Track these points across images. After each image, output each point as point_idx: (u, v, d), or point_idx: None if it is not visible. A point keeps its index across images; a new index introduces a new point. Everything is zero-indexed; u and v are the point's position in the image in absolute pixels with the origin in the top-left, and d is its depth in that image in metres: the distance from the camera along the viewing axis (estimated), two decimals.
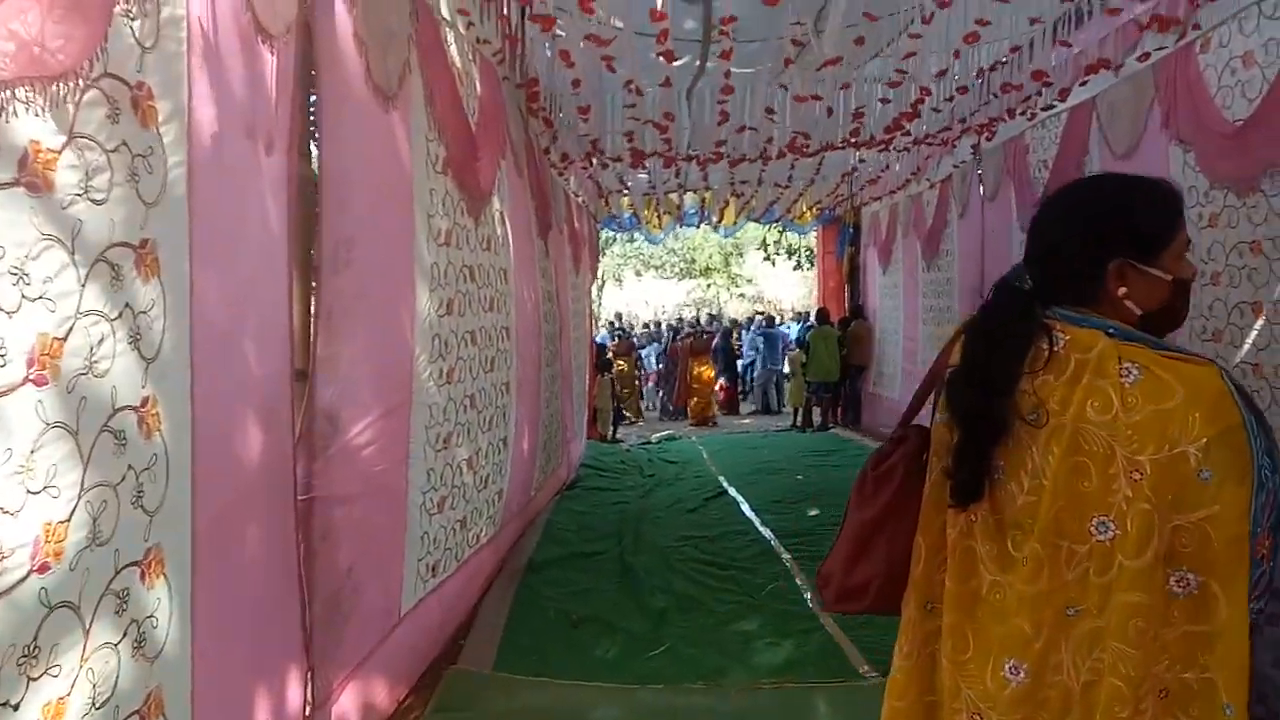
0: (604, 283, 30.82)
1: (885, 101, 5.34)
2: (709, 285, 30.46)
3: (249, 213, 2.29)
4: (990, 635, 1.33)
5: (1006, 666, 1.29)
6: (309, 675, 2.77)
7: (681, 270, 30.31)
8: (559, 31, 4.32)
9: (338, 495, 2.91)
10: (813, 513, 6.73)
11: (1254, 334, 4.26)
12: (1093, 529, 1.23)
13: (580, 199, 9.91)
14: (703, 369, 14.12)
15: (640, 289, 30.99)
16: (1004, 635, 1.31)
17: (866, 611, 1.57)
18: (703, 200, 11.23)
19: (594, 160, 7.12)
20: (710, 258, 28.69)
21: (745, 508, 6.99)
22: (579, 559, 5.62)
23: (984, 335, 1.37)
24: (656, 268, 30.69)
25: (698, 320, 19.30)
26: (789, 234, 18.29)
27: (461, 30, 4.26)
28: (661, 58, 3.97)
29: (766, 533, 6.12)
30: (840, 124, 5.71)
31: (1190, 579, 1.20)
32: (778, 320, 17.79)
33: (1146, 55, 4.98)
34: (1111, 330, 1.29)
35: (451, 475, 4.11)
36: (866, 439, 10.73)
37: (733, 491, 7.64)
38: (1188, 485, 1.18)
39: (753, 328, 17.21)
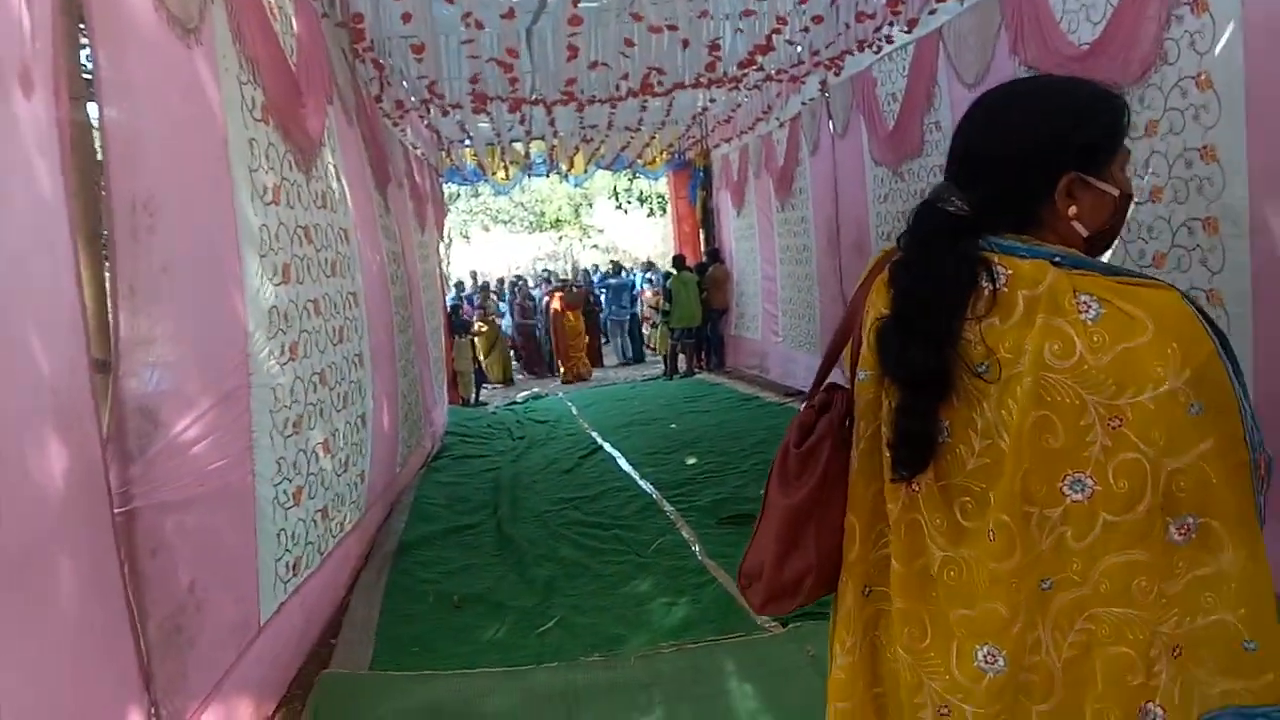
0: (451, 240, 29.92)
1: (739, 32, 5.13)
2: (561, 238, 30.00)
3: (7, 170, 1.83)
4: (950, 619, 1.16)
5: (980, 654, 1.13)
6: (152, 712, 2.37)
7: (531, 224, 29.68)
8: None
9: (166, 502, 2.49)
10: (690, 461, 6.62)
11: (1108, 254, 4.32)
12: (1065, 489, 1.09)
13: (419, 151, 9.32)
14: (573, 324, 13.78)
15: (490, 245, 30.19)
16: (974, 620, 1.14)
17: (800, 607, 1.35)
18: (551, 149, 10.83)
19: (432, 107, 6.61)
20: (560, 210, 28.19)
21: (623, 462, 6.80)
22: (453, 535, 5.29)
23: (917, 275, 1.15)
24: (505, 222, 29.93)
25: (574, 275, 18.88)
26: (640, 181, 18.10)
27: None
28: None
29: (647, 486, 5.96)
30: (695, 58, 5.45)
31: (1190, 522, 1.09)
32: (624, 269, 17.59)
33: None
34: (1058, 259, 1.12)
35: (306, 462, 3.69)
36: (733, 382, 10.77)
37: (608, 447, 7.44)
38: (1180, 424, 1.06)
39: (597, 278, 17.00)
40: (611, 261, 17.75)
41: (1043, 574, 1.11)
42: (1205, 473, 1.07)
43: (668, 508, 5.41)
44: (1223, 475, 1.08)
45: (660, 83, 5.75)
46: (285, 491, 3.42)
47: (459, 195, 24.82)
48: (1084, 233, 1.18)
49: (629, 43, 4.68)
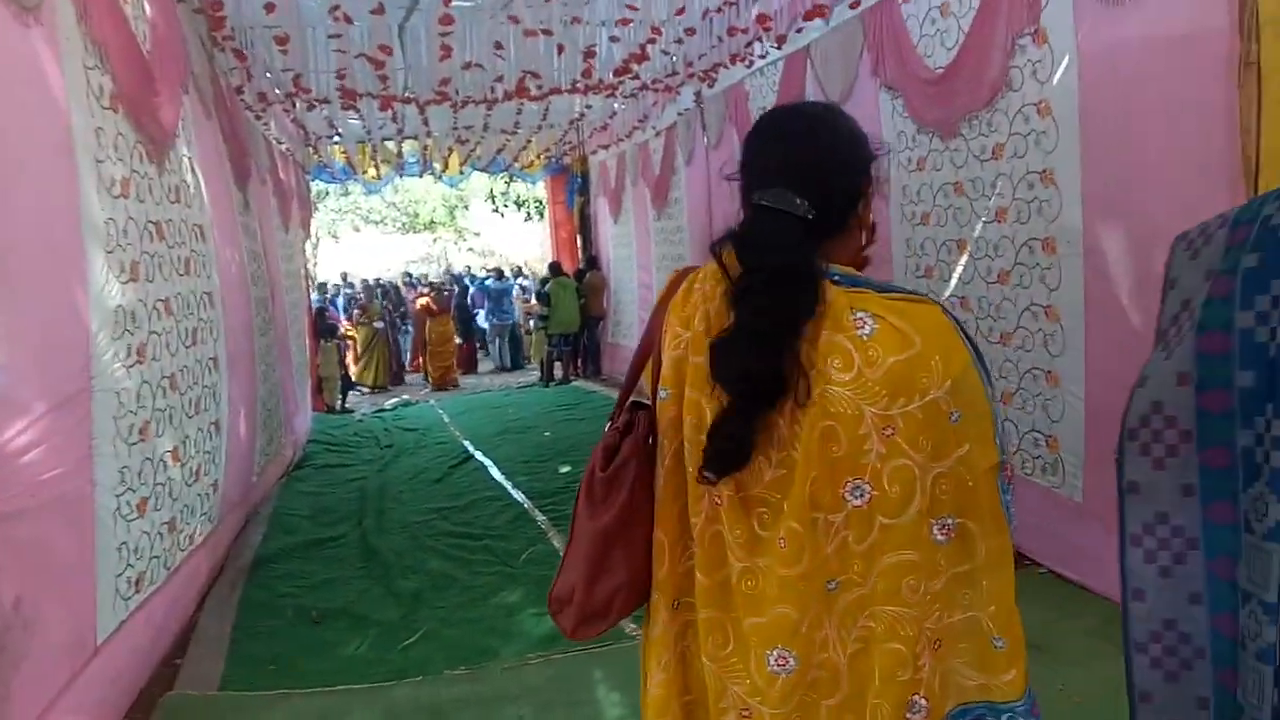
0: (319, 240, 28.85)
1: (615, 40, 5.15)
2: (435, 240, 29.41)
3: None
4: (747, 627, 1.20)
5: (772, 657, 1.17)
6: None
7: (404, 224, 28.97)
8: None
9: None
10: (564, 469, 6.60)
11: (959, 270, 4.58)
12: (847, 494, 1.14)
13: (284, 146, 8.97)
14: (443, 329, 13.49)
15: (360, 245, 29.31)
16: (765, 625, 1.17)
17: (611, 627, 1.36)
18: (424, 148, 10.60)
19: (297, 101, 6.37)
20: (434, 211, 27.63)
21: (495, 471, 6.71)
22: (315, 547, 5.09)
23: (779, 293, 1.14)
24: (376, 222, 29.12)
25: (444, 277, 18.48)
26: (517, 184, 17.97)
27: None
28: None
29: (519, 495, 5.90)
30: (569, 64, 5.45)
31: (950, 523, 1.16)
32: (504, 274, 17.43)
33: (857, 3, 5.17)
34: (836, 278, 1.17)
35: (153, 471, 3.49)
36: (609, 389, 10.80)
37: (479, 455, 7.32)
38: (943, 431, 1.13)
39: (474, 283, 16.76)
40: (494, 267, 17.59)
41: (828, 576, 1.16)
42: (963, 476, 1.15)
43: (540, 517, 5.37)
44: (977, 478, 1.16)
45: (537, 87, 5.72)
46: (128, 502, 3.21)
47: (328, 193, 23.93)
48: (866, 250, 1.26)
49: (501, 46, 4.63)
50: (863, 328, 1.13)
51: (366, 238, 29.48)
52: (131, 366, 3.27)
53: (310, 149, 10.66)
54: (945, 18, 4.49)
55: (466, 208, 27.15)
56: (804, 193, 1.17)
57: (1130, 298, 3.45)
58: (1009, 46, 3.99)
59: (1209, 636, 1.14)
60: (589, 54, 5.14)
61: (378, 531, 5.27)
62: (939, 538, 1.16)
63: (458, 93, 5.86)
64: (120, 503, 3.13)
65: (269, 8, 4.03)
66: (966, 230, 4.49)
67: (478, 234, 28.86)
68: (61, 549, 2.73)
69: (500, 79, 5.45)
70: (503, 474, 6.58)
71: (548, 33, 4.30)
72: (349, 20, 4.08)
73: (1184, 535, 1.16)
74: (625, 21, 4.72)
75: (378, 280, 17.18)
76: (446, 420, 9.53)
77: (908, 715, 1.16)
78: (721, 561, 1.21)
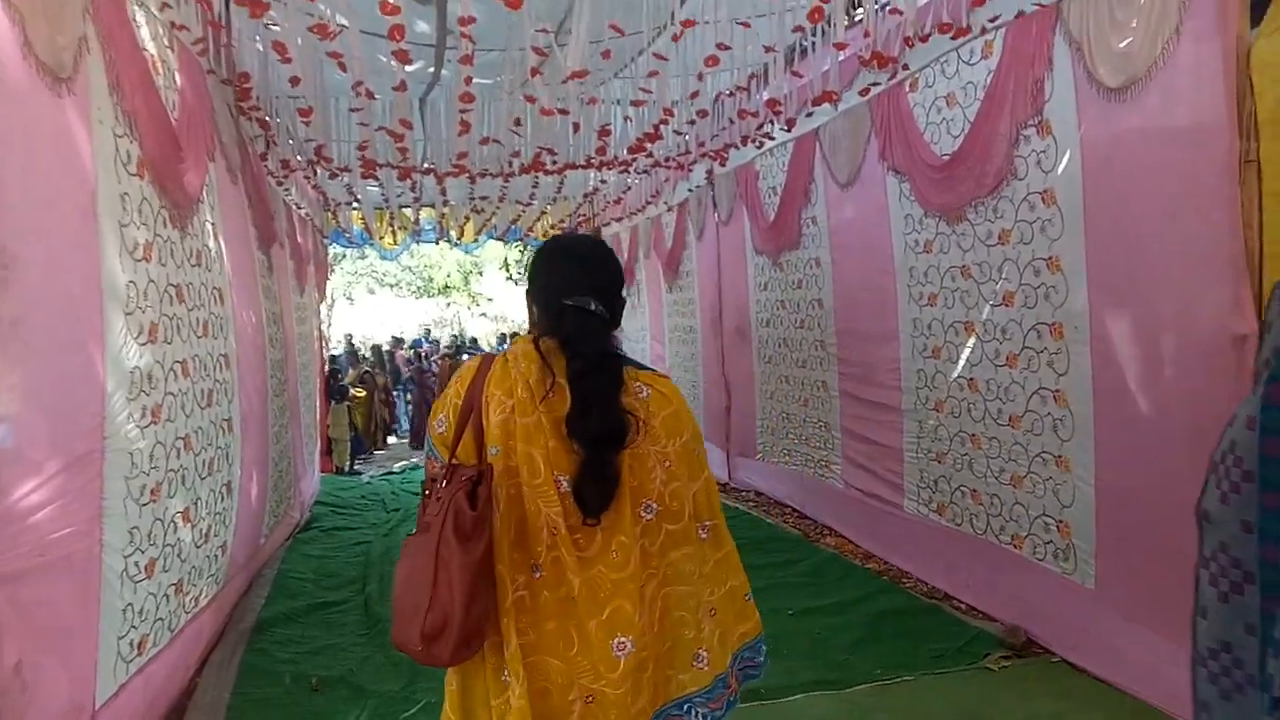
0: (334, 301, 29.20)
1: (628, 120, 5.29)
2: (449, 304, 29.71)
3: None
4: (591, 627, 1.54)
5: (614, 644, 1.53)
6: None
7: (419, 288, 29.32)
8: (272, 23, 3.84)
9: None
10: None
11: (967, 351, 4.62)
12: (642, 512, 1.59)
13: (304, 211, 9.15)
14: None
15: (375, 307, 29.65)
16: (607, 621, 1.53)
17: (480, 649, 1.60)
18: (441, 216, 10.80)
19: (319, 169, 6.53)
20: (449, 276, 27.97)
21: None
22: (317, 611, 5.05)
23: (598, 372, 1.57)
24: (391, 285, 29.47)
25: (458, 341, 18.67)
26: (530, 252, 18.19)
27: (154, 10, 3.67)
28: (394, 59, 3.61)
29: None
30: (585, 141, 5.60)
31: (707, 524, 1.69)
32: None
33: (866, 90, 5.31)
34: (620, 358, 1.64)
35: (163, 532, 3.49)
36: None
37: None
38: (695, 461, 1.67)
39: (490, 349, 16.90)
40: (513, 334, 17.77)
41: (643, 574, 1.57)
42: (708, 491, 1.70)
43: None
44: (713, 490, 1.72)
45: (552, 162, 5.86)
46: (136, 563, 3.21)
47: (344, 256, 24.35)
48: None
49: (520, 123, 4.77)
50: (642, 393, 1.63)
51: (381, 300, 29.85)
52: (146, 427, 3.30)
53: (329, 214, 10.86)
54: (951, 107, 4.61)
55: (481, 273, 27.48)
56: (601, 300, 1.64)
57: (1138, 384, 3.47)
58: (1014, 136, 4.10)
59: (1259, 667, 1.18)
60: (604, 132, 5.28)
61: (380, 598, 5.22)
62: (703, 536, 1.67)
63: (474, 165, 5.99)
64: (128, 564, 3.13)
65: (294, 80, 4.17)
66: (974, 313, 4.54)
67: (491, 299, 29.16)
68: (66, 610, 2.72)
69: (517, 154, 5.59)
70: None
71: (564, 112, 4.42)
72: (371, 96, 4.21)
73: (1241, 568, 1.27)
74: (639, 103, 4.85)
75: (358, 345, 17.33)
76: None
77: (694, 664, 1.62)
78: (561, 580, 1.55)
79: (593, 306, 1.62)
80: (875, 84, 5.20)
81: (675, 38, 3.82)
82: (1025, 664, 3.90)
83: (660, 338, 10.42)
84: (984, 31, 4.24)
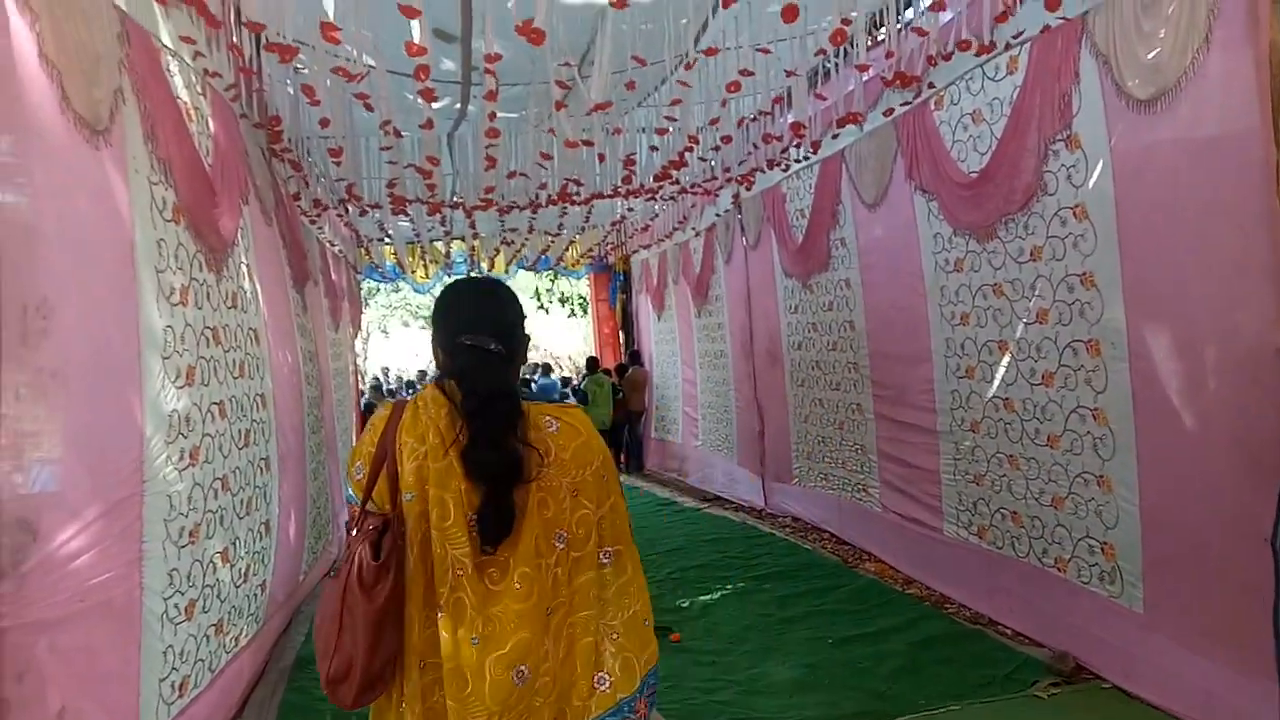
0: (369, 335, 29.62)
1: (654, 149, 5.32)
2: None
3: None
4: (487, 665, 1.55)
5: (514, 674, 1.55)
6: None
7: None
8: (301, 67, 3.92)
9: (39, 621, 2.34)
10: None
11: (1002, 370, 4.55)
12: (556, 542, 1.62)
13: (337, 248, 9.29)
14: None
15: (409, 340, 29.99)
16: (508, 654, 1.55)
17: (382, 693, 1.63)
18: (472, 249, 10.91)
19: (350, 207, 6.63)
20: None
21: None
22: None
23: (489, 399, 1.60)
24: (426, 317, 29.74)
25: None
26: (562, 281, 18.31)
27: (187, 60, 3.76)
28: (420, 98, 3.66)
29: None
30: (611, 171, 5.63)
31: (609, 550, 1.70)
32: (551, 370, 17.78)
33: (890, 110, 5.30)
34: (523, 394, 1.68)
35: (202, 573, 3.52)
36: (651, 485, 10.74)
37: None
38: (603, 487, 1.69)
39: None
40: (542, 363, 17.85)
41: (548, 604, 1.60)
42: (613, 516, 1.71)
43: None
44: (620, 515, 1.72)
45: (578, 192, 5.90)
46: (176, 605, 3.24)
47: (379, 290, 24.75)
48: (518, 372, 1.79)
49: (545, 156, 4.81)
50: (550, 426, 1.66)
51: (414, 333, 30.18)
52: (184, 469, 3.35)
53: (362, 250, 11.01)
54: (978, 124, 4.58)
55: None
56: (499, 339, 1.67)
57: (1180, 399, 3.39)
58: (1042, 151, 4.05)
59: None
60: (629, 162, 5.31)
61: None
62: (604, 561, 1.69)
63: (503, 198, 6.05)
64: (168, 605, 3.16)
65: (324, 122, 4.24)
66: (1007, 331, 4.48)
67: None
68: (106, 655, 2.75)
69: (544, 186, 5.64)
70: None
71: (589, 144, 4.45)
72: (399, 134, 4.27)
73: None
74: (663, 131, 4.87)
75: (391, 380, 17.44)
76: None
77: (596, 688, 1.64)
78: (462, 620, 1.56)
79: (491, 346, 1.65)
80: (904, 103, 5.17)
81: (688, 65, 3.83)
82: (1076, 691, 3.79)
83: (691, 362, 10.40)
84: (1008, 47, 4.21)
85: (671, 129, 4.79)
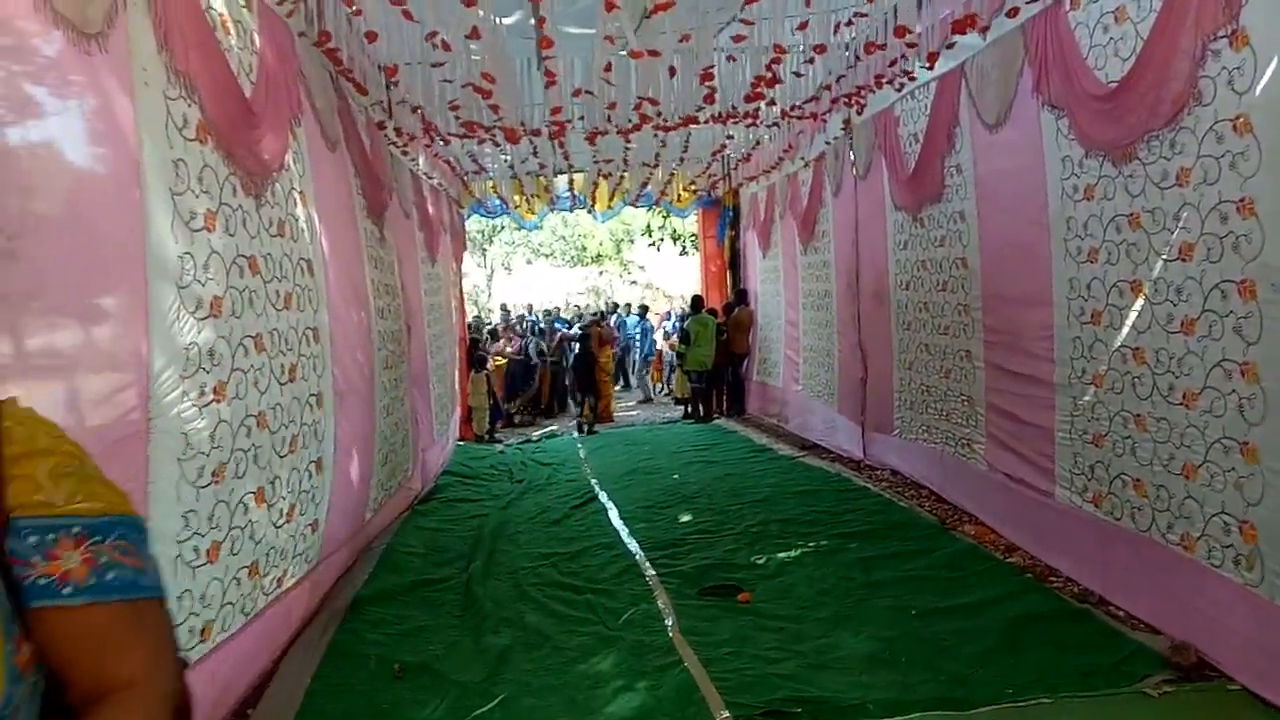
0: (493, 271, 30.05)
1: (732, 59, 4.77)
2: (601, 272, 29.93)
3: None
4: None
5: None
6: None
7: (573, 258, 29.65)
8: None
9: None
10: (684, 519, 6.21)
11: (1134, 315, 3.91)
12: None
13: (435, 181, 9.13)
14: (606, 361, 13.28)
15: (531, 276, 30.30)
16: None
17: None
18: (571, 182, 10.60)
19: (434, 136, 6.36)
20: (601, 244, 28.06)
21: (614, 515, 6.41)
22: (418, 589, 4.93)
23: None
24: (547, 255, 29.95)
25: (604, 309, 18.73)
26: (673, 219, 17.86)
27: None
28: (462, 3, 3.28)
29: (633, 545, 5.56)
30: (686, 87, 5.11)
31: None
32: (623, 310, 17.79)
33: (1015, 11, 4.60)
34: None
35: (229, 514, 3.38)
36: (749, 430, 10.34)
37: (603, 497, 7.06)
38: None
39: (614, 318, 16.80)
40: (640, 305, 17.61)
41: None
42: None
43: (649, 571, 5.00)
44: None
45: (656, 113, 5.40)
46: (195, 548, 3.10)
47: (502, 228, 24.92)
48: None
49: (609, 68, 4.35)
50: None
51: (538, 270, 30.47)
52: (206, 405, 3.17)
53: (462, 184, 10.85)
54: (1120, 23, 3.88)
55: (632, 242, 27.40)
56: None
57: None
58: (1199, 53, 3.36)
59: None
60: (706, 76, 4.78)
61: (483, 577, 5.06)
62: None
63: (571, 121, 5.64)
64: (182, 549, 3.01)
65: (370, 35, 3.93)
66: (1143, 270, 3.82)
67: (643, 268, 29.14)
68: None
69: (613, 106, 5.17)
70: (622, 519, 6.26)
71: (655, 53, 3.98)
72: (447, 48, 3.92)
73: None
74: (740, 38, 4.33)
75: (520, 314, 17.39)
76: (582, 455, 9.37)
77: None
78: None
79: None
80: (1031, 1, 4.47)
81: None
82: (1195, 691, 3.22)
83: (794, 303, 9.84)
84: None
85: (749, 36, 4.24)
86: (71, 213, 2.49)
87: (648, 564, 5.14)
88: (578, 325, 14.67)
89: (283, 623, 4.00)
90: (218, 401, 3.27)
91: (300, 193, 4.32)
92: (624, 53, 3.99)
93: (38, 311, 2.33)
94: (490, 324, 15.16)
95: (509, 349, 13.33)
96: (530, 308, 19.06)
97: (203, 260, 3.20)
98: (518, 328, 14.76)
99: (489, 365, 12.29)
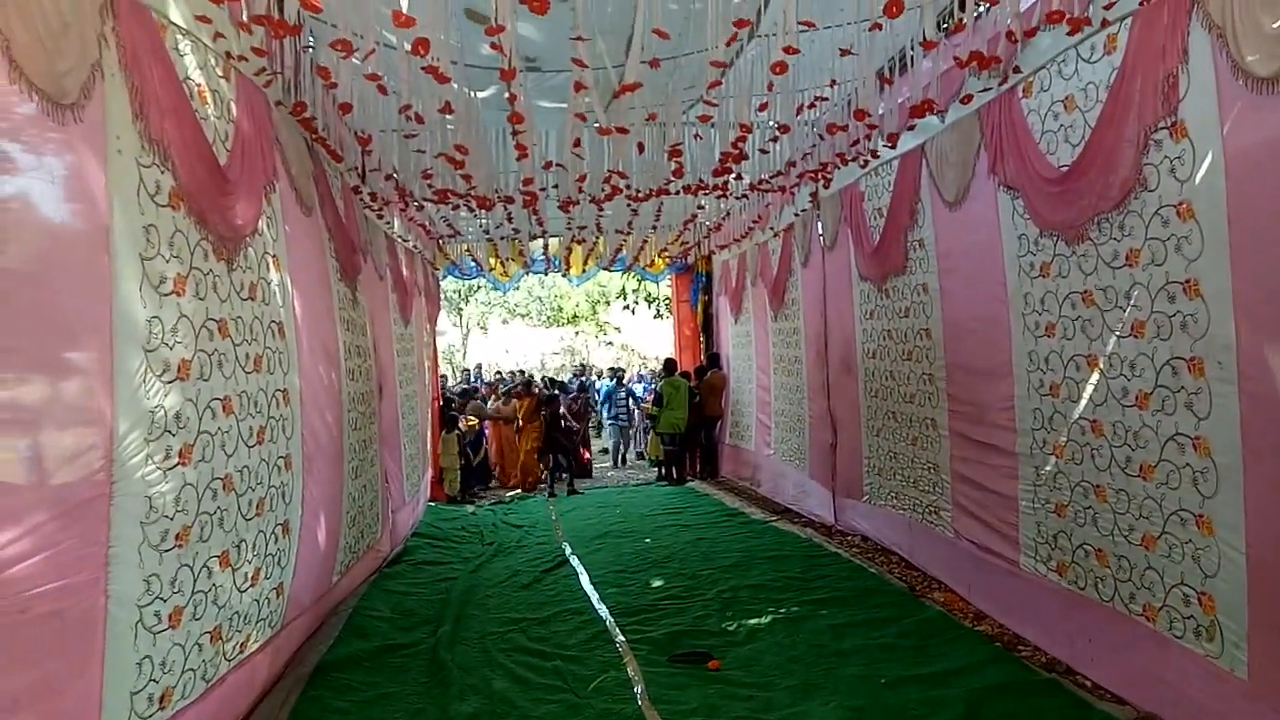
0: (469, 330, 30.13)
1: (699, 138, 4.92)
2: (577, 333, 30.10)
3: None
4: None
5: None
6: None
7: (549, 318, 29.82)
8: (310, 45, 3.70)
9: None
10: (655, 583, 6.18)
11: (1090, 389, 4.01)
12: None
13: (411, 244, 9.21)
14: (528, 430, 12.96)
15: (507, 337, 30.42)
16: None
17: None
18: (545, 246, 10.73)
19: (408, 201, 6.45)
20: (578, 306, 28.27)
21: (584, 580, 6.36)
22: (384, 655, 4.86)
23: None
24: (523, 315, 30.13)
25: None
26: (648, 283, 18.05)
27: (206, 40, 3.59)
28: (430, 76, 3.38)
29: (603, 610, 5.51)
30: (656, 162, 5.24)
31: None
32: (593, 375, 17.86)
33: (969, 98, 4.80)
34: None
35: (193, 579, 3.34)
36: (722, 493, 10.33)
37: (574, 561, 7.01)
38: None
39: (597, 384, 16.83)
40: (613, 369, 17.70)
41: None
42: None
43: (619, 637, 4.96)
44: None
45: (625, 185, 5.54)
46: (157, 614, 3.06)
47: (478, 288, 25.08)
48: None
49: (576, 143, 4.47)
50: None
51: (514, 330, 30.58)
52: (171, 469, 3.16)
53: (436, 246, 10.95)
54: (1070, 112, 4.06)
55: (608, 303, 27.63)
56: None
57: None
58: (1142, 141, 3.53)
59: None
60: (675, 153, 4.91)
61: (450, 642, 4.99)
62: None
63: (546, 189, 5.75)
64: (143, 614, 2.97)
65: (344, 107, 4.02)
66: (1098, 345, 3.94)
67: (618, 329, 29.35)
68: (55, 669, 2.56)
69: (583, 178, 5.29)
70: (592, 583, 6.22)
71: (623, 131, 4.10)
72: (420, 120, 4.02)
73: None
74: (706, 118, 4.48)
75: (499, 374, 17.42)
76: (554, 518, 9.30)
77: None
78: None
79: None
80: (985, 89, 4.67)
81: (729, 42, 3.42)
82: None
83: (766, 368, 9.94)
84: (1105, 24, 3.69)
85: (715, 115, 4.39)
86: (39, 270, 2.52)
87: (618, 630, 5.10)
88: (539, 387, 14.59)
89: (245, 689, 3.92)
90: (183, 464, 3.26)
91: (274, 256, 4.36)
92: (596, 125, 4.09)
93: (1, 366, 2.34)
94: (459, 385, 15.08)
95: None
96: (478, 368, 19.09)
97: (171, 324, 3.22)
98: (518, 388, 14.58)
99: (461, 426, 12.23)
